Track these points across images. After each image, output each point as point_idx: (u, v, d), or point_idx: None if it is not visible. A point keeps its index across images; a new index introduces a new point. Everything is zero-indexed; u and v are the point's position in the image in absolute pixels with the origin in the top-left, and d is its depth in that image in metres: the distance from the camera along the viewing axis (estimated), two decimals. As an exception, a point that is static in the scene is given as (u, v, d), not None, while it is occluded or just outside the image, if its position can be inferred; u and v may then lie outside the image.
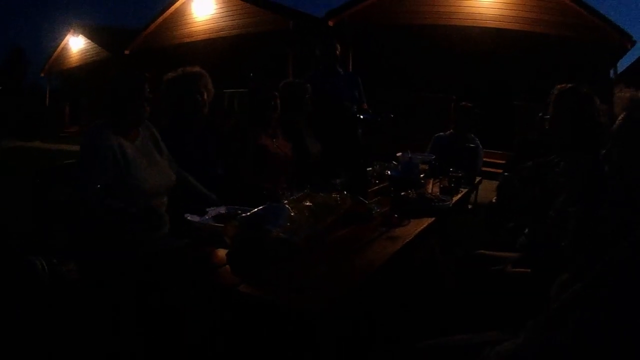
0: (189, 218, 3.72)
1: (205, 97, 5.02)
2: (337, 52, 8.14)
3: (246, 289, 2.76)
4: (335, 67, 8.12)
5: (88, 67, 33.68)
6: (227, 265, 3.09)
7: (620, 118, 2.33)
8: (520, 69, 18.99)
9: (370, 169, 6.00)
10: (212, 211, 3.94)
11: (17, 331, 3.98)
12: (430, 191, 5.30)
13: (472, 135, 7.88)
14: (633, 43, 18.52)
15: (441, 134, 8.08)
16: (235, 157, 5.33)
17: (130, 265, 3.40)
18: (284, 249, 3.16)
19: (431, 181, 5.60)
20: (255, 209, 3.42)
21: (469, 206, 7.01)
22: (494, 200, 6.88)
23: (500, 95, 18.63)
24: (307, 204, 3.64)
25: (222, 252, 3.28)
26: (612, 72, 19.72)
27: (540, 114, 7.08)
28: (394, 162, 6.05)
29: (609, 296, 1.91)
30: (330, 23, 21.91)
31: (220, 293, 2.91)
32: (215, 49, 25.02)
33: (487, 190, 7.80)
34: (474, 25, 19.15)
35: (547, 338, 2.09)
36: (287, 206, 3.48)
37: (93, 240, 3.64)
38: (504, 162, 8.42)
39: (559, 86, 4.25)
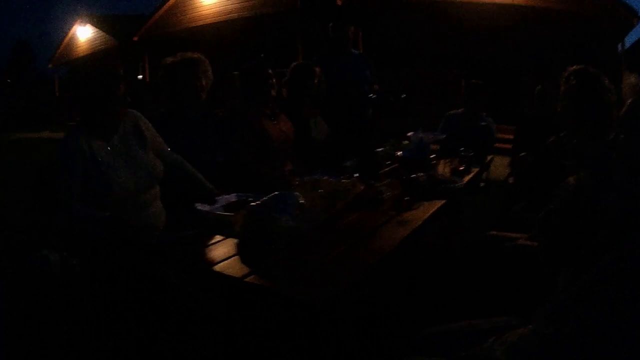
0: (199, 207, 3.70)
1: (204, 83, 4.95)
2: (350, 33, 8.03)
3: (253, 280, 2.72)
4: (347, 48, 8.00)
5: (96, 56, 33.75)
6: (237, 256, 3.05)
7: (627, 103, 2.29)
8: (527, 43, 18.91)
9: (382, 149, 5.97)
10: (222, 199, 3.92)
11: (28, 322, 3.98)
12: (441, 172, 5.25)
13: (484, 113, 7.80)
14: (639, 19, 18.45)
15: (452, 112, 7.98)
16: (237, 143, 5.24)
17: (132, 259, 3.36)
18: (293, 237, 3.13)
19: (442, 162, 5.56)
20: (265, 197, 3.39)
21: (481, 184, 6.95)
22: (510, 180, 6.85)
23: (508, 71, 18.59)
24: (317, 190, 3.60)
25: (232, 242, 3.25)
26: (619, 47, 19.62)
27: (538, 87, 7.13)
28: (405, 141, 5.98)
29: (614, 294, 1.89)
30: (339, 2, 21.80)
31: (228, 284, 2.84)
32: (224, 32, 25.02)
33: (499, 167, 7.76)
34: (482, 1, 19.03)
35: (552, 331, 2.07)
36: (296, 193, 3.45)
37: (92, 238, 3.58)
38: (512, 137, 8.36)
39: (570, 68, 4.23)
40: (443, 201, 4.32)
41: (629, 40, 20.10)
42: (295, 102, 6.18)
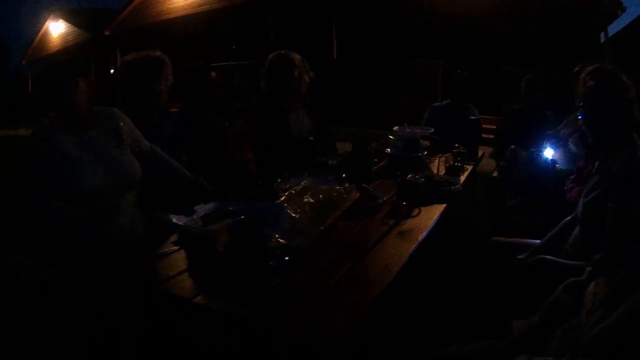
0: (174, 220, 3.38)
1: (163, 86, 4.54)
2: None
3: (247, 316, 2.37)
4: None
5: (69, 51, 33.47)
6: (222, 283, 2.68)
7: None
8: (508, 34, 18.72)
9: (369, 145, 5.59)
10: (201, 209, 3.57)
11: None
12: (436, 171, 4.94)
13: (470, 105, 7.53)
14: (623, 9, 18.35)
15: (437, 104, 7.72)
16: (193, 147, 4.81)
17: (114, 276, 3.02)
18: (288, 257, 2.77)
19: (436, 159, 5.26)
20: (248, 207, 3.07)
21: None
22: (495, 175, 6.65)
23: (489, 61, 18.40)
24: (308, 199, 3.24)
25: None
26: (602, 36, 19.48)
27: (526, 77, 6.96)
28: (390, 136, 5.63)
29: None
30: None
31: (213, 316, 2.47)
32: (196, 24, 24.83)
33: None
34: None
35: None
36: (285, 205, 3.10)
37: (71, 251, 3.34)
38: (494, 127, 8.18)
39: (586, 67, 3.95)
40: (443, 205, 4.01)
41: (612, 29, 19.88)
42: (273, 96, 5.82)
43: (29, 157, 3.49)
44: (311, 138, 5.89)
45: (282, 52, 6.06)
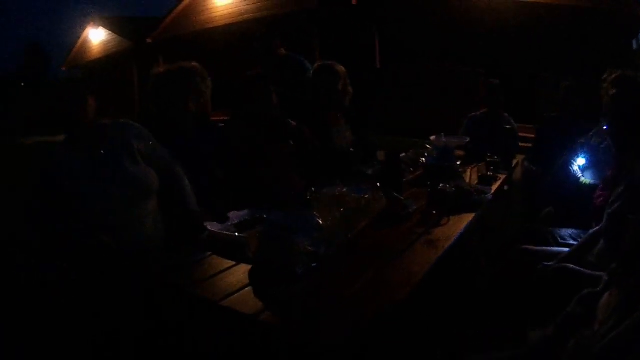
0: (209, 227, 3.43)
1: (193, 97, 4.41)
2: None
3: (267, 319, 2.42)
4: None
5: (110, 59, 33.64)
6: (249, 287, 2.73)
7: None
8: (542, 41, 18.60)
9: (404, 155, 5.65)
10: (234, 216, 3.62)
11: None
12: (468, 180, 4.96)
13: (507, 114, 7.51)
14: (657, 16, 18.13)
15: (473, 114, 7.69)
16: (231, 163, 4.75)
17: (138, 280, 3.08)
18: (313, 263, 2.83)
19: (469, 169, 5.27)
20: (279, 214, 3.11)
21: (505, 187, 6.69)
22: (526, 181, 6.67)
23: (524, 68, 18.31)
24: (338, 208, 3.28)
25: (244, 269, 2.95)
26: (634, 42, 19.28)
27: (565, 84, 6.91)
28: (427, 146, 5.67)
29: None
30: (354, 1, 21.44)
31: (238, 322, 2.51)
32: (238, 34, 24.75)
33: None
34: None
35: None
36: (314, 213, 3.15)
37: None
38: (532, 136, 8.10)
39: (608, 77, 3.98)
40: (472, 214, 4.03)
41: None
42: (315, 109, 5.75)
43: (37, 182, 3.49)
44: (352, 149, 5.84)
45: (327, 63, 5.94)
